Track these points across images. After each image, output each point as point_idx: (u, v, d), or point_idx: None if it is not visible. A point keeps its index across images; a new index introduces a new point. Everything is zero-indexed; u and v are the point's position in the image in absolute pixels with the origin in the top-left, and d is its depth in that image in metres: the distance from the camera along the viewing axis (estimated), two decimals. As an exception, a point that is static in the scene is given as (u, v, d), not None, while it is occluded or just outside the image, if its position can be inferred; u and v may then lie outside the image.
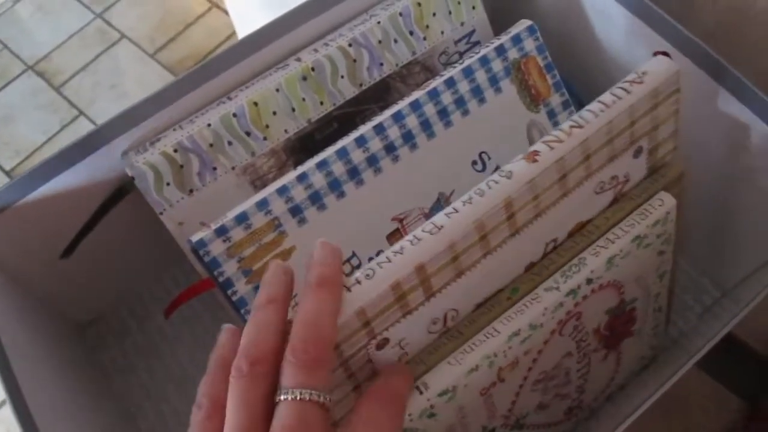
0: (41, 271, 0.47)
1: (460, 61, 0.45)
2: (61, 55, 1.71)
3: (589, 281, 0.37)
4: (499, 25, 0.51)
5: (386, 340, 0.34)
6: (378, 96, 0.47)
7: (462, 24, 0.49)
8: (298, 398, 0.25)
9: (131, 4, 1.77)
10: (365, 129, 0.42)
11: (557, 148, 0.34)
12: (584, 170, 0.36)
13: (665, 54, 0.40)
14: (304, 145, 0.46)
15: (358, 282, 0.31)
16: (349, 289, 0.31)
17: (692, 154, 0.48)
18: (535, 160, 0.34)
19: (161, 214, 0.43)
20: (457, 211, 0.33)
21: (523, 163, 0.34)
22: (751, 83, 0.41)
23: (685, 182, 0.41)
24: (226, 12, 1.72)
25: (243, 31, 1.13)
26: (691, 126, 0.47)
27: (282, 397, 0.25)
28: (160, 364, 0.54)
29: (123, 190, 0.45)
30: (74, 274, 0.49)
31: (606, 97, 0.36)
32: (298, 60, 0.45)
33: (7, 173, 1.56)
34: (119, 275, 0.53)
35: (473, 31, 0.50)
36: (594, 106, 0.36)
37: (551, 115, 0.48)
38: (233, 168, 0.44)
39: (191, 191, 0.43)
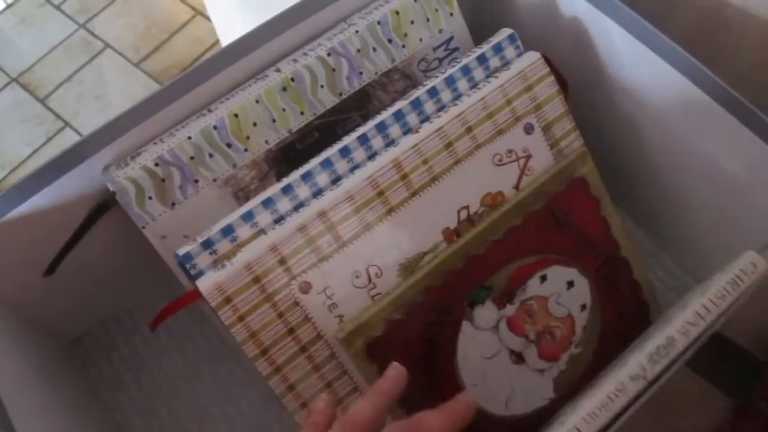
0: (24, 290, 0.47)
1: (442, 71, 0.45)
2: (44, 66, 1.70)
3: (674, 361, 0.36)
4: (477, 31, 0.51)
5: (308, 284, 0.41)
6: (358, 104, 0.47)
7: (440, 31, 0.49)
8: None
9: (115, 14, 1.76)
10: (349, 140, 0.42)
11: (436, 121, 0.43)
12: (470, 141, 0.44)
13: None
14: (286, 156, 0.46)
15: (272, 228, 0.40)
16: (265, 233, 0.40)
17: (680, 152, 0.48)
18: (418, 131, 0.43)
19: (144, 228, 0.43)
20: (353, 173, 0.42)
21: (408, 136, 0.43)
22: (729, 86, 0.42)
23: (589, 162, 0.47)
24: (209, 20, 1.71)
25: (226, 38, 1.13)
26: (670, 129, 0.47)
27: None
28: (147, 377, 0.53)
29: (104, 205, 0.45)
30: (58, 291, 0.49)
31: (482, 83, 0.45)
32: (278, 71, 0.45)
33: (-7, 187, 1.55)
34: (104, 290, 0.53)
35: (452, 38, 0.50)
36: (469, 90, 0.45)
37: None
38: (215, 180, 0.44)
39: (173, 205, 0.43)
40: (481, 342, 0.45)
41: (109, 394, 0.53)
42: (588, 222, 0.48)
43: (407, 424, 0.34)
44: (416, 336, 0.43)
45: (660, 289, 0.54)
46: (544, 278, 0.46)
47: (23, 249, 0.44)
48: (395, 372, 0.37)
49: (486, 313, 0.45)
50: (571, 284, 0.47)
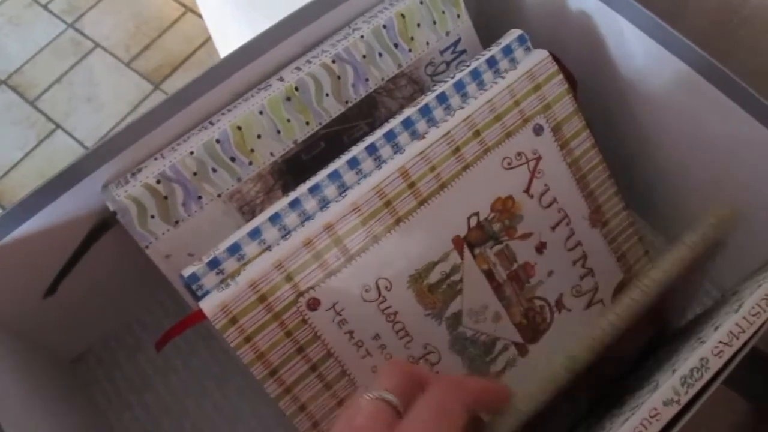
0: (23, 312, 0.45)
1: (451, 75, 0.44)
2: (34, 67, 1.67)
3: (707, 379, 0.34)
4: (483, 31, 0.49)
5: (316, 301, 0.39)
6: (365, 112, 0.46)
7: (447, 33, 0.48)
8: (373, 397, 0.31)
9: (104, 13, 1.73)
10: (357, 150, 0.41)
11: (443, 126, 0.41)
12: (478, 144, 0.42)
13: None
14: (291, 167, 0.44)
15: (276, 243, 0.39)
16: (269, 249, 0.39)
17: (687, 154, 0.47)
18: (424, 137, 0.41)
19: (147, 248, 0.41)
20: (359, 183, 0.40)
21: (414, 142, 0.41)
22: (745, 83, 0.40)
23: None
24: (200, 16, 1.69)
25: (218, 36, 1.11)
26: (684, 127, 0.46)
27: (363, 398, 0.31)
28: (153, 396, 0.52)
29: (105, 223, 0.43)
30: (59, 312, 0.47)
31: (488, 84, 0.43)
32: (281, 80, 0.44)
33: (-14, 191, 1.52)
34: (105, 308, 0.51)
35: (459, 40, 0.48)
36: (478, 93, 0.43)
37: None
38: (219, 195, 0.42)
39: (177, 222, 0.42)
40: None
41: (114, 414, 0.52)
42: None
43: (443, 379, 0.33)
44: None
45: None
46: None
47: (22, 271, 0.42)
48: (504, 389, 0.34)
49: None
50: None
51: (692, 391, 0.32)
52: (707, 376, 0.32)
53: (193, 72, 1.62)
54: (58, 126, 1.58)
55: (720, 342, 0.32)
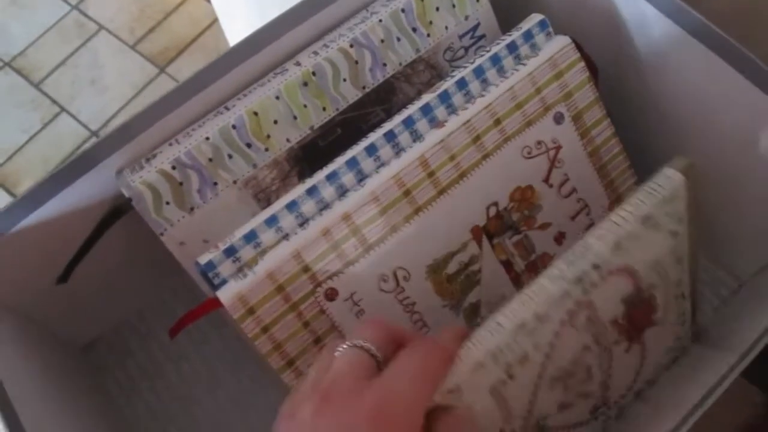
0: (37, 299, 0.45)
1: (470, 60, 0.43)
2: (38, 50, 1.66)
3: (595, 267, 0.34)
4: (502, 15, 0.48)
5: (334, 291, 0.39)
6: (382, 98, 0.45)
7: (466, 18, 0.47)
8: (351, 345, 0.30)
9: (108, -6, 1.71)
10: (375, 137, 0.40)
11: (462, 114, 0.40)
12: (499, 133, 0.41)
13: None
14: (308, 154, 0.44)
15: (294, 232, 0.38)
16: (286, 238, 0.38)
17: (709, 142, 0.46)
18: (443, 126, 0.40)
19: (162, 235, 0.41)
20: (377, 171, 0.39)
21: (433, 130, 0.40)
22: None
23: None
24: (206, -1, 1.67)
25: (226, 18, 1.10)
26: (707, 114, 0.45)
27: (340, 347, 0.30)
28: (164, 383, 0.52)
29: (118, 210, 0.42)
30: (71, 298, 0.47)
31: (509, 71, 0.43)
32: (298, 64, 0.43)
33: (-9, 175, 1.52)
34: (117, 295, 0.51)
35: (478, 25, 0.47)
36: (498, 80, 0.42)
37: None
38: (235, 182, 0.42)
39: (192, 209, 0.41)
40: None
41: (125, 401, 0.51)
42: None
43: (421, 339, 0.32)
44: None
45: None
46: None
47: (36, 257, 0.42)
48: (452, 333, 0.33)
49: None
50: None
51: (575, 269, 0.33)
52: (590, 257, 0.33)
53: (198, 55, 1.60)
54: (62, 109, 1.57)
55: (603, 228, 0.34)
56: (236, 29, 1.01)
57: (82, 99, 1.57)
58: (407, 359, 0.29)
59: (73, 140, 1.52)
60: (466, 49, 0.47)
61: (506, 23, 0.48)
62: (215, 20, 1.63)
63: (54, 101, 1.59)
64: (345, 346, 0.30)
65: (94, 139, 0.38)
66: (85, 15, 1.69)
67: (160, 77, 1.59)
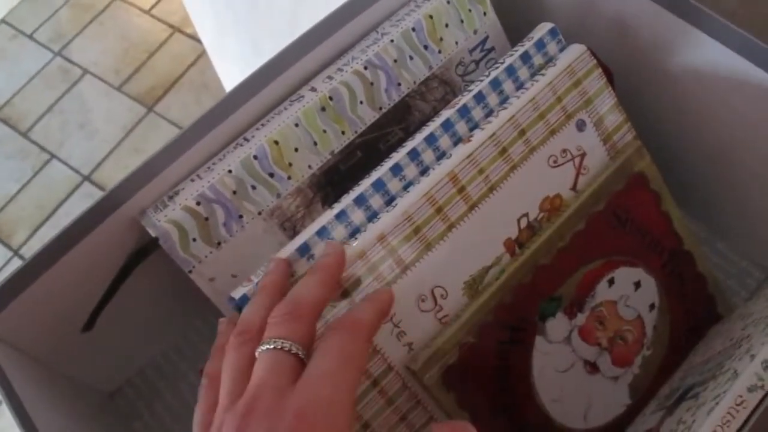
0: (62, 348, 0.44)
1: (485, 74, 0.43)
2: (24, 98, 1.65)
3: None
4: (508, 26, 0.48)
5: None
6: (399, 117, 0.45)
7: (475, 32, 0.47)
8: (270, 348, 0.29)
9: (90, 39, 1.71)
10: (399, 156, 0.40)
11: (487, 128, 0.40)
12: (524, 144, 0.41)
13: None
14: (330, 179, 0.43)
15: None
16: None
17: (734, 134, 0.46)
18: (470, 140, 0.40)
19: (190, 272, 0.40)
20: (408, 191, 0.39)
21: (460, 146, 0.40)
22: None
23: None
24: (188, 36, 1.67)
25: (215, 52, 1.10)
26: (727, 113, 0.45)
27: (258, 350, 0.29)
28: (197, 424, 0.50)
29: (143, 251, 0.42)
30: (96, 344, 0.46)
31: (528, 82, 0.43)
32: (313, 90, 0.43)
33: (-17, 227, 1.50)
34: (142, 336, 0.50)
35: (486, 38, 0.48)
36: (515, 91, 0.43)
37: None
38: (260, 213, 0.41)
39: (219, 244, 0.40)
40: (554, 356, 0.43)
41: (157, 445, 0.50)
42: (650, 217, 0.46)
43: (338, 320, 0.32)
44: (490, 357, 0.41)
45: (719, 278, 0.52)
46: (611, 282, 0.44)
47: (59, 307, 0.41)
48: (332, 248, 0.35)
49: (558, 325, 0.42)
50: (638, 285, 0.45)
51: None
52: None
53: (186, 92, 1.60)
54: (52, 156, 1.56)
55: None
56: (228, 61, 1.01)
57: (72, 144, 1.57)
58: (325, 355, 0.29)
59: (66, 186, 1.51)
60: (477, 62, 0.47)
61: (513, 35, 0.48)
62: (200, 56, 1.63)
63: (43, 148, 1.58)
64: (262, 349, 0.29)
65: (113, 185, 0.38)
66: (69, 60, 1.69)
67: (149, 116, 1.58)
